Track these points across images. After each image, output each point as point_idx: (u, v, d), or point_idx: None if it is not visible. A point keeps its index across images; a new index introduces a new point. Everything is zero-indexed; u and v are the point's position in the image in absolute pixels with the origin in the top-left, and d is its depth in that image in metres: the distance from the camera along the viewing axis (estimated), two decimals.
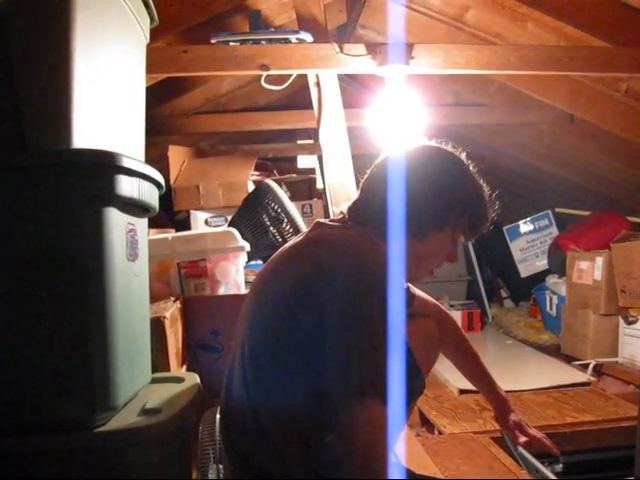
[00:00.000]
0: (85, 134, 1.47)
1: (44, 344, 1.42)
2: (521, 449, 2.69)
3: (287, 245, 1.64)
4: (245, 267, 2.97)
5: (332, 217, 1.76)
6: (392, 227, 1.55)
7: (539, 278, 5.76)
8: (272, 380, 1.46)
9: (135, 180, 1.57)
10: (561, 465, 2.79)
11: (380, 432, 1.32)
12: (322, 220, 1.68)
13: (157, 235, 3.01)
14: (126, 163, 1.49)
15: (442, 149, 1.68)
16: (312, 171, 5.41)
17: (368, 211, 1.61)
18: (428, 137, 1.72)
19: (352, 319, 1.37)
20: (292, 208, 3.52)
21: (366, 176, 1.69)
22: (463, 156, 1.68)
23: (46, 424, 1.43)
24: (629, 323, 3.91)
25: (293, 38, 3.12)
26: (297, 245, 1.61)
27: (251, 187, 4.34)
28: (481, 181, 1.67)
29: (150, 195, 1.70)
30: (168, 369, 2.22)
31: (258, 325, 1.51)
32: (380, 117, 3.47)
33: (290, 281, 1.47)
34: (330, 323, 1.37)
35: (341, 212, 1.70)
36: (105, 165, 1.46)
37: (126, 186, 1.51)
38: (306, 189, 5.17)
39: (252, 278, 2.61)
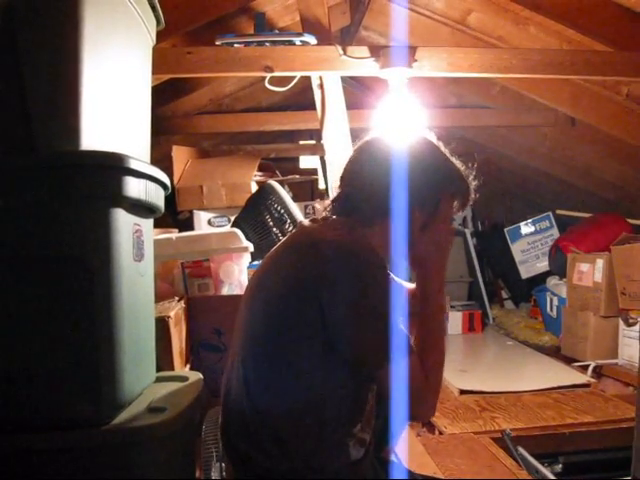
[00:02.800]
0: (93, 135, 1.49)
1: (51, 343, 1.44)
2: (521, 449, 2.71)
3: (278, 244, 1.65)
4: (248, 267, 2.98)
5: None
6: (377, 214, 1.57)
7: (540, 279, 5.77)
8: (272, 379, 1.47)
9: (142, 181, 1.59)
10: (561, 465, 2.81)
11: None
12: (304, 221, 1.70)
13: (161, 235, 3.02)
14: (133, 165, 1.51)
15: (420, 135, 1.69)
16: (314, 172, 5.43)
17: (353, 202, 1.62)
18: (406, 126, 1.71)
19: (359, 297, 1.40)
20: (295, 209, 3.54)
21: (347, 168, 1.69)
22: (434, 137, 1.70)
23: (53, 422, 1.45)
24: (629, 325, 3.92)
25: (297, 40, 3.13)
26: (286, 243, 1.62)
27: (254, 188, 4.35)
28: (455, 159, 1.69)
29: (156, 196, 1.71)
30: (172, 368, 2.24)
31: (257, 323, 1.52)
32: (383, 119, 3.49)
33: (285, 275, 1.48)
34: (339, 308, 1.39)
35: (324, 209, 1.71)
36: (112, 167, 1.48)
37: (133, 187, 1.53)
38: (308, 190, 5.19)
39: None
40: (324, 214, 1.69)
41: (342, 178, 1.68)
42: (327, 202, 1.70)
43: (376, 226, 1.57)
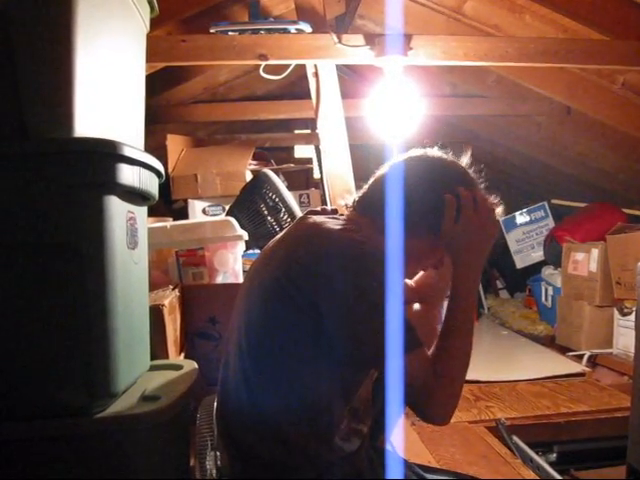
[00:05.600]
0: (86, 122, 1.48)
1: (44, 331, 1.44)
2: (516, 438, 2.72)
3: (280, 234, 1.64)
4: (243, 256, 2.97)
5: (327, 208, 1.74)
6: (389, 220, 1.54)
7: (535, 269, 5.77)
8: (269, 369, 1.46)
9: (135, 169, 1.58)
10: (555, 454, 2.81)
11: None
12: (313, 209, 1.68)
13: (155, 224, 3.01)
14: (127, 152, 1.50)
15: (434, 156, 1.67)
16: (309, 161, 5.42)
17: (369, 203, 1.61)
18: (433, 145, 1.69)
19: (354, 297, 1.36)
20: (290, 197, 3.52)
21: (375, 174, 1.68)
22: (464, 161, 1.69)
23: (47, 410, 1.44)
24: (624, 315, 3.92)
25: (292, 28, 3.12)
26: (289, 232, 1.61)
27: (249, 176, 4.34)
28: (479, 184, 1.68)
29: (150, 184, 1.71)
30: (166, 357, 2.23)
31: (254, 313, 1.51)
32: (378, 107, 3.48)
33: (283, 266, 1.47)
34: (335, 305, 1.37)
35: (345, 205, 1.69)
36: (106, 154, 1.47)
37: (127, 175, 1.53)
38: (303, 179, 5.17)
39: None
40: (342, 207, 1.68)
41: (371, 180, 1.66)
42: (351, 197, 1.68)
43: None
